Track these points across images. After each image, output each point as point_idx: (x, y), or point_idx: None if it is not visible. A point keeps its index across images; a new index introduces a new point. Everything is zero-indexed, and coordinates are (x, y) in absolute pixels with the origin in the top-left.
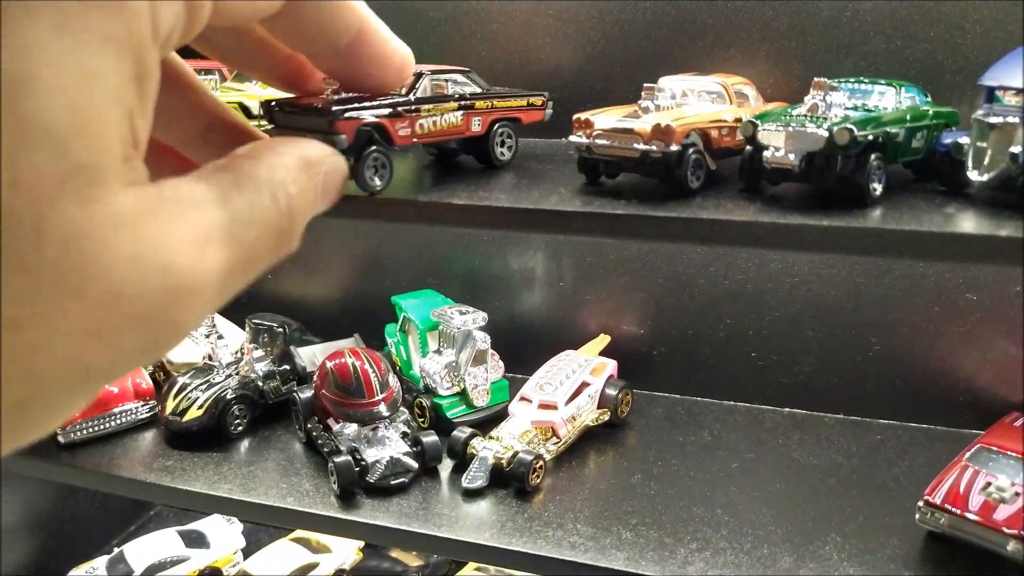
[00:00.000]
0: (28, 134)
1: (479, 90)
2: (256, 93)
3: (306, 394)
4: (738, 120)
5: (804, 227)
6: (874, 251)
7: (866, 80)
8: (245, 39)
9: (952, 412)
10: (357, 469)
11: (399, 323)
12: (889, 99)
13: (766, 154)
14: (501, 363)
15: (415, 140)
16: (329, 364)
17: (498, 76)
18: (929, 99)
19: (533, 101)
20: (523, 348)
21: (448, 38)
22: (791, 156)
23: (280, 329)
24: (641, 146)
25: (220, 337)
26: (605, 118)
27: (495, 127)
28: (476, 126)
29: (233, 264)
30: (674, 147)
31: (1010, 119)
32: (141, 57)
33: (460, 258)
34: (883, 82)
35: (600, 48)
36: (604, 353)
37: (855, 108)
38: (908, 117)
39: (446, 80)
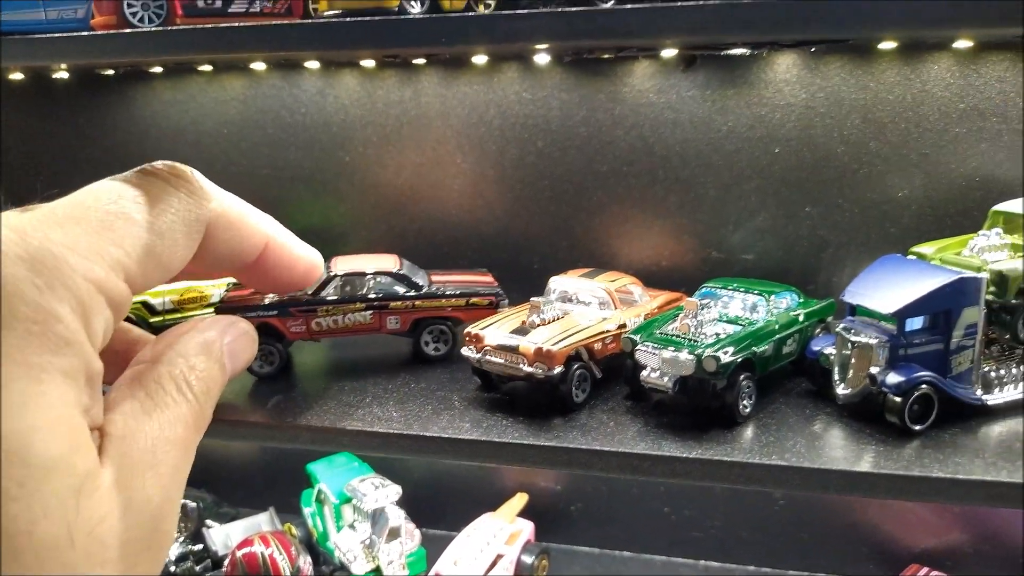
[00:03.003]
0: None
1: (401, 291)
2: (160, 289)
3: None
4: (622, 327)
5: (675, 459)
6: (741, 483)
7: (740, 288)
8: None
9: (857, 561)
10: None
11: (315, 493)
12: (760, 310)
13: (643, 374)
14: (417, 532)
15: (314, 336)
16: (239, 554)
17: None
18: (802, 299)
19: (476, 302)
20: (443, 505)
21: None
22: (665, 379)
23: (194, 504)
24: (526, 367)
25: None
26: (494, 333)
27: (424, 325)
28: (393, 324)
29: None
30: (557, 369)
31: (867, 338)
32: (89, 364)
33: None
34: (756, 291)
35: (511, 223)
36: (522, 513)
37: (729, 320)
38: (778, 327)
39: (368, 281)
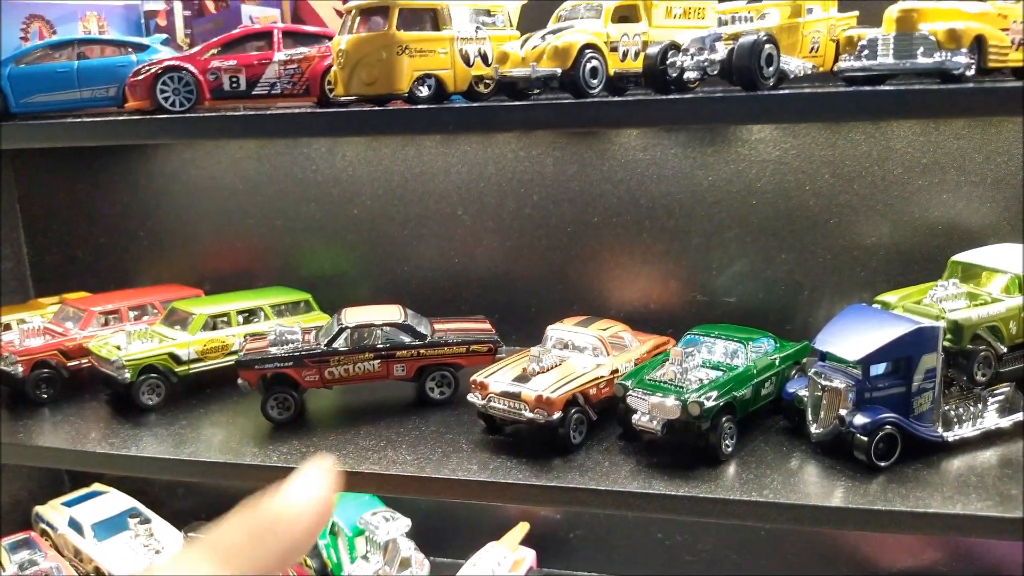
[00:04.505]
0: None
1: (406, 340)
2: (185, 340)
3: None
4: (615, 372)
5: (665, 496)
6: (724, 518)
7: (721, 334)
8: None
9: None
10: None
11: (328, 526)
12: (740, 356)
13: (634, 418)
14: (426, 561)
15: (327, 384)
16: None
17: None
18: (778, 344)
19: (476, 349)
20: (449, 535)
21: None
22: (654, 423)
23: None
24: (527, 413)
25: (157, 552)
26: (497, 380)
27: (428, 372)
28: (400, 372)
29: None
30: (556, 415)
31: (836, 383)
32: None
33: None
34: (736, 338)
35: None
36: (524, 541)
37: (712, 365)
38: (756, 372)
39: (376, 331)
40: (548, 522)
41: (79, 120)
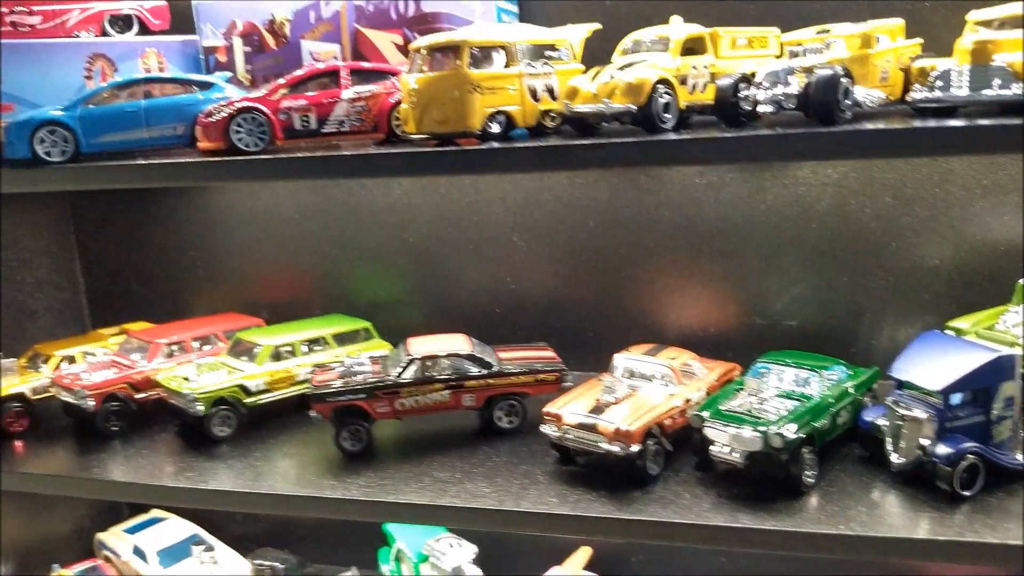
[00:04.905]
0: None
1: (474, 371)
2: (254, 372)
3: None
4: (687, 401)
5: (752, 530)
6: (813, 551)
7: (792, 363)
8: None
9: None
10: None
11: (393, 552)
12: (814, 386)
13: (713, 449)
14: None
15: (398, 415)
16: None
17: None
18: (850, 371)
19: (543, 377)
20: (510, 560)
21: None
22: (734, 455)
23: (281, 566)
24: (605, 445)
25: (215, 562)
26: (572, 411)
27: (496, 401)
28: (469, 402)
29: None
30: (634, 447)
31: (917, 412)
32: None
33: None
34: (808, 366)
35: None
36: (587, 566)
37: (786, 395)
38: (833, 401)
39: (443, 362)
40: (610, 547)
41: (159, 162)
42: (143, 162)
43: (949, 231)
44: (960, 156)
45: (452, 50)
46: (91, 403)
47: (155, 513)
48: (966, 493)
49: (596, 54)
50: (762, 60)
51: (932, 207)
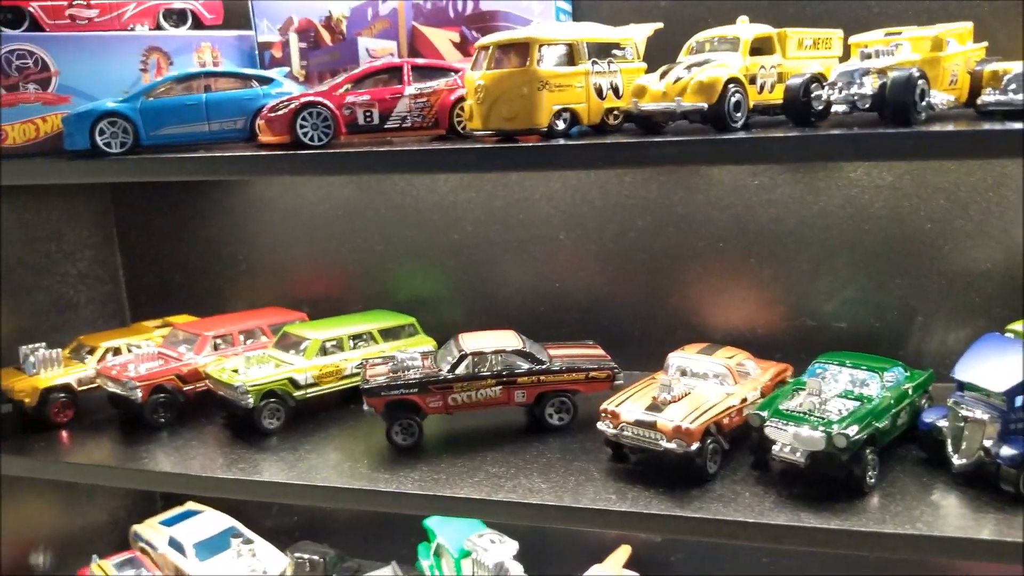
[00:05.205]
0: None
1: (526, 367)
2: (303, 366)
3: None
4: (744, 401)
5: (817, 530)
6: (878, 551)
7: (850, 363)
8: None
9: None
10: None
11: (432, 547)
12: (874, 387)
13: (775, 449)
14: None
15: (450, 410)
16: None
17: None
18: (908, 372)
19: (595, 375)
20: (550, 557)
21: None
22: (797, 454)
23: (319, 559)
24: (665, 443)
25: (262, 573)
26: (629, 409)
27: (547, 398)
28: (520, 398)
29: None
30: (694, 445)
31: (979, 414)
32: None
33: None
34: (866, 367)
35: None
36: (627, 564)
37: (845, 395)
38: (893, 402)
39: (495, 358)
40: (649, 545)
41: (227, 155)
42: (205, 155)
43: (1002, 235)
44: None
45: (521, 47)
46: (139, 394)
47: (190, 506)
48: None
49: (652, 54)
50: (827, 61)
51: (986, 211)
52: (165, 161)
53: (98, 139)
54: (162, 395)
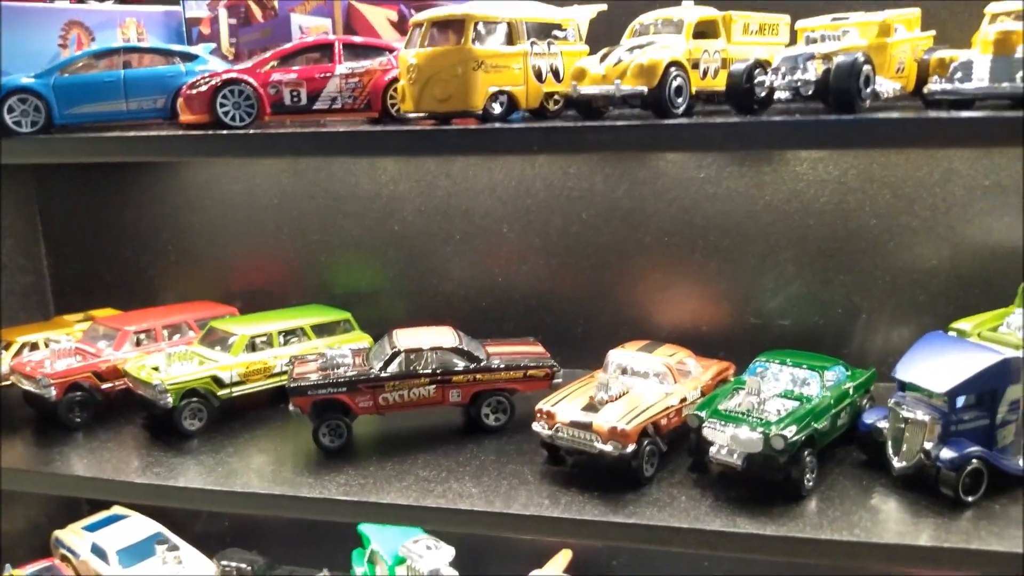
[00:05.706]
0: None
1: (462, 365)
2: (228, 363)
3: None
4: (683, 400)
5: (753, 536)
6: (815, 557)
7: (791, 362)
8: None
9: None
10: None
11: (367, 554)
12: (814, 386)
13: (712, 451)
14: None
15: (380, 410)
16: None
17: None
18: (849, 372)
19: (533, 373)
20: (488, 563)
21: None
22: (734, 456)
23: (248, 567)
24: (600, 445)
25: (179, 563)
26: (565, 409)
27: (483, 398)
28: (455, 397)
29: None
30: (630, 447)
31: (920, 415)
32: None
33: None
34: (806, 366)
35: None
36: (568, 569)
37: (785, 395)
38: (833, 403)
39: (430, 355)
40: (590, 550)
41: (143, 135)
42: (120, 135)
43: (948, 231)
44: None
45: (456, 24)
46: (53, 392)
47: (116, 510)
48: (969, 499)
49: (598, 38)
50: (773, 48)
51: (932, 207)
52: (68, 141)
53: (7, 117)
54: (78, 393)
